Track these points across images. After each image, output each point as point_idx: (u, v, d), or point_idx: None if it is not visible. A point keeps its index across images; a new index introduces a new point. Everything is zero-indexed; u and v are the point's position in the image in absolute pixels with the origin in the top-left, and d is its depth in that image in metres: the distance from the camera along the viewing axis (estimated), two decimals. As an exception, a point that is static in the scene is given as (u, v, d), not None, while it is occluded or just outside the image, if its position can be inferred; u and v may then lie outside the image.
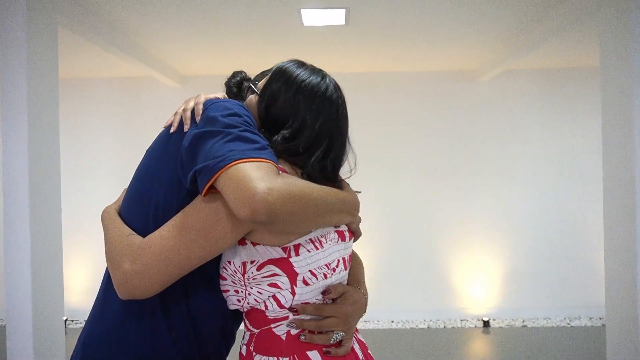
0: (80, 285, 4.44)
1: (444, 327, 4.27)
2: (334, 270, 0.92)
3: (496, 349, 3.85)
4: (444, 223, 4.43)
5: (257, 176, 0.76)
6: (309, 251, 0.88)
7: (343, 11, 2.80)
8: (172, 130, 0.94)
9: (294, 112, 0.94)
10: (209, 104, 0.91)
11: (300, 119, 0.93)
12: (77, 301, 4.41)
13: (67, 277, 4.22)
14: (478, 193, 4.41)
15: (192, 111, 0.92)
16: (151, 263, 0.82)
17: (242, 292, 0.90)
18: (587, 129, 4.35)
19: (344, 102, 1.00)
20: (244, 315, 0.95)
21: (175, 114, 0.97)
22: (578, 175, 4.36)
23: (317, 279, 0.89)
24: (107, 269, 0.95)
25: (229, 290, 0.92)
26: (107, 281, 0.95)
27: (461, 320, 4.35)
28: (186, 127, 0.91)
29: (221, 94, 1.05)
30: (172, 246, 0.82)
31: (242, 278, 0.89)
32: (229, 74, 1.21)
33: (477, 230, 4.41)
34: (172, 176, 0.89)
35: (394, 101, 4.45)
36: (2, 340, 3.07)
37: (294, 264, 0.86)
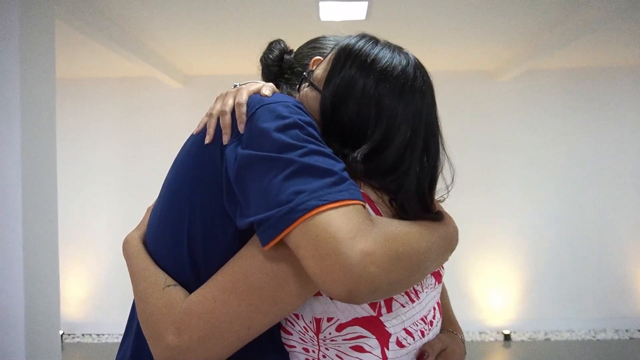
0: (77, 296, 4.20)
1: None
2: (431, 323, 0.71)
3: (519, 364, 3.64)
4: (462, 230, 4.19)
5: (346, 234, 0.53)
6: (404, 305, 0.67)
7: (365, 4, 2.60)
8: (207, 141, 0.71)
9: (377, 112, 0.67)
10: (255, 106, 0.67)
11: (386, 122, 0.67)
12: (74, 313, 4.18)
13: (63, 287, 3.99)
14: (497, 199, 4.20)
15: (233, 114, 0.70)
16: (203, 336, 0.60)
17: (314, 352, 0.68)
18: (615, 132, 4.15)
19: (433, 90, 0.74)
20: None
21: (210, 116, 0.74)
22: (603, 181, 4.16)
23: (413, 339, 0.68)
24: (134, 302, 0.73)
25: (294, 347, 0.70)
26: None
27: (480, 333, 4.14)
28: (226, 138, 0.68)
29: (267, 88, 0.81)
30: (230, 313, 0.60)
31: (314, 337, 0.67)
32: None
33: (496, 238, 4.20)
34: (212, 202, 0.67)
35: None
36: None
37: (385, 323, 0.66)
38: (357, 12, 2.72)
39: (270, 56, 0.95)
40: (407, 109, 0.68)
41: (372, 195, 0.69)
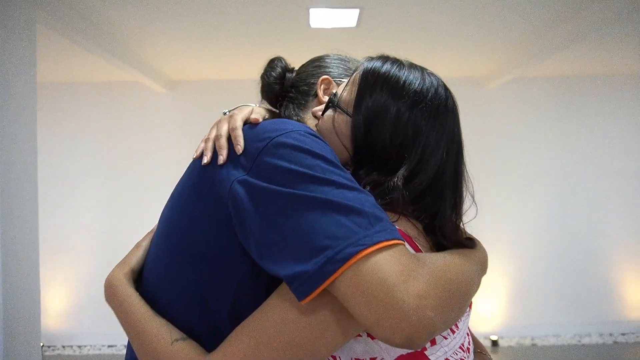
0: (57, 308, 4.07)
1: (451, 346, 4.06)
2: (468, 350, 0.70)
3: (507, 370, 3.65)
4: (449, 237, 4.23)
5: (397, 277, 0.50)
6: (446, 337, 0.66)
7: (356, 11, 2.57)
8: (204, 161, 0.68)
9: (413, 134, 0.66)
10: (271, 136, 0.63)
11: (423, 144, 0.66)
12: (54, 324, 4.05)
13: (43, 298, 3.86)
14: (484, 205, 4.19)
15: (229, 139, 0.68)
16: None
17: None
18: (601, 139, 4.21)
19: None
20: None
21: (206, 141, 0.72)
22: (589, 189, 4.22)
23: None
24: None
25: None
26: None
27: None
28: (222, 159, 0.65)
29: (259, 111, 0.77)
30: None
31: None
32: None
33: (484, 244, 4.22)
34: (219, 236, 0.63)
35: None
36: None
37: (430, 356, 0.64)
38: (348, 19, 2.69)
39: (273, 74, 0.92)
40: (441, 130, 0.68)
41: (411, 231, 0.67)
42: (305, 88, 0.91)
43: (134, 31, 2.95)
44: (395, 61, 0.73)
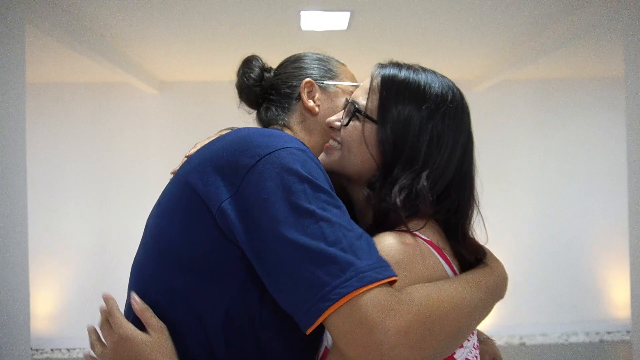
0: (45, 311, 4.03)
1: (441, 346, 4.10)
2: (477, 347, 0.75)
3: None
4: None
5: (376, 318, 0.55)
6: (468, 340, 0.72)
7: (347, 14, 2.60)
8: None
9: (438, 139, 0.71)
10: (259, 155, 0.64)
11: (446, 147, 0.71)
12: (42, 328, 4.01)
13: (31, 302, 3.82)
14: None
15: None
16: None
17: None
18: (586, 142, 4.28)
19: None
20: None
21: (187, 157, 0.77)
22: (576, 190, 4.29)
23: None
24: None
25: None
26: None
27: (457, 339, 4.19)
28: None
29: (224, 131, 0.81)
30: None
31: None
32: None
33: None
34: (212, 251, 0.66)
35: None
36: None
37: (457, 358, 0.70)
38: (339, 22, 2.71)
39: (252, 75, 0.90)
40: (460, 129, 0.73)
41: (440, 242, 0.70)
42: (287, 90, 0.89)
43: (124, 32, 2.94)
44: (409, 67, 0.76)
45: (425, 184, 0.67)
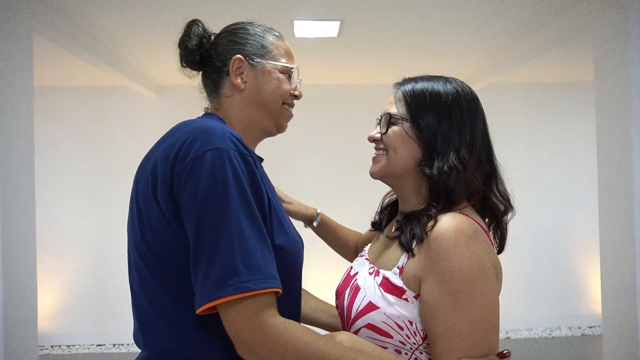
0: (46, 309, 4.13)
1: (430, 341, 4.24)
2: None
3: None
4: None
5: (242, 325, 0.73)
6: None
7: (337, 23, 2.74)
8: None
9: (461, 131, 0.88)
10: (188, 155, 0.77)
11: (470, 135, 0.89)
12: (43, 325, 4.10)
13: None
14: (461, 206, 4.42)
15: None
16: None
17: (406, 354, 0.82)
18: (571, 144, 4.44)
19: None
20: None
21: None
22: (560, 190, 4.45)
23: None
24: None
25: (386, 348, 0.82)
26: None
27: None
28: None
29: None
30: None
31: (418, 342, 0.82)
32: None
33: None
34: (173, 243, 0.82)
35: (380, 113, 4.42)
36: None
37: None
38: (330, 30, 2.86)
39: (189, 45, 0.96)
40: (476, 112, 0.92)
41: (484, 224, 0.87)
42: (219, 64, 0.94)
43: (124, 39, 3.07)
44: (421, 77, 0.94)
45: (465, 155, 0.85)
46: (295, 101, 1.01)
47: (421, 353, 0.81)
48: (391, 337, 0.81)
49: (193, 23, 0.98)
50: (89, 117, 4.26)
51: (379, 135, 0.94)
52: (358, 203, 4.22)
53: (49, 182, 4.17)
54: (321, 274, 3.66)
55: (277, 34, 1.01)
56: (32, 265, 2.29)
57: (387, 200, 1.05)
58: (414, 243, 0.83)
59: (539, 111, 4.49)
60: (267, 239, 0.77)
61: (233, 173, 0.75)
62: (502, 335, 4.29)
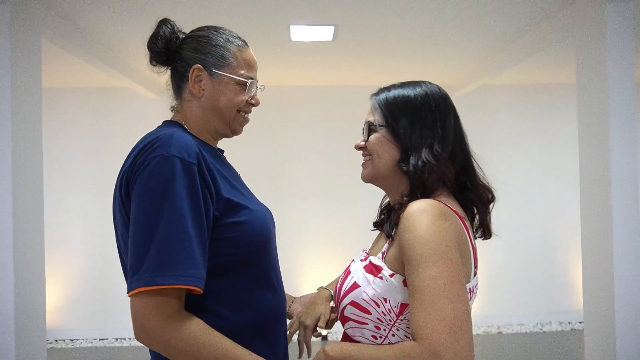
0: (50, 304, 4.24)
1: (424, 335, 4.35)
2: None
3: (474, 355, 3.95)
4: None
5: (147, 315, 0.84)
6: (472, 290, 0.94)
7: (332, 28, 2.85)
8: None
9: (432, 121, 0.97)
10: (155, 154, 0.87)
11: (442, 130, 0.98)
12: (50, 321, 4.20)
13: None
14: (454, 204, 4.53)
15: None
16: None
17: (384, 330, 0.90)
18: (560, 143, 4.55)
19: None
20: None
21: None
22: (551, 189, 4.56)
23: None
24: None
25: (366, 324, 0.91)
26: None
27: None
28: None
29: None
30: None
31: (394, 318, 0.89)
32: None
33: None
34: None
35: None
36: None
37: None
38: (325, 34, 2.96)
39: (155, 48, 1.02)
40: (447, 110, 1.01)
41: (460, 211, 0.95)
42: (182, 70, 1.02)
43: (126, 42, 3.17)
44: (394, 85, 1.03)
45: (438, 149, 0.95)
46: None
47: (397, 330, 0.89)
48: (370, 313, 0.90)
49: (162, 24, 1.04)
50: (93, 117, 4.38)
51: (362, 142, 1.04)
52: (353, 202, 4.34)
53: (54, 181, 4.28)
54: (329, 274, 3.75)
55: (240, 44, 1.05)
56: (41, 265, 2.40)
57: (386, 200, 1.13)
58: (393, 230, 0.93)
59: (528, 111, 4.61)
60: (195, 240, 0.85)
61: (171, 178, 0.85)
62: (494, 330, 4.40)
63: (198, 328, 0.85)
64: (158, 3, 2.51)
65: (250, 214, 0.96)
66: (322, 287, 1.18)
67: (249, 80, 1.04)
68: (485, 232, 1.02)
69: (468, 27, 2.96)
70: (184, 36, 1.06)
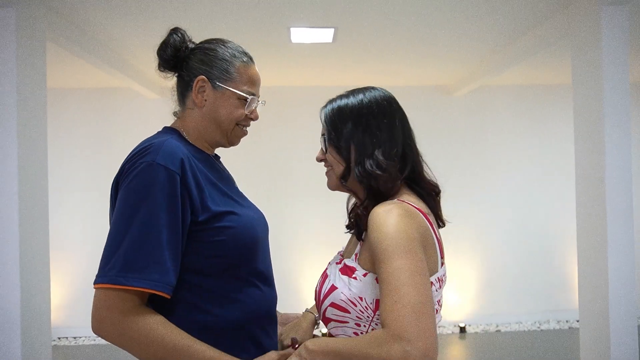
0: (53, 303, 4.29)
1: (423, 334, 4.39)
2: (440, 307, 1.00)
3: (472, 353, 4.00)
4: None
5: (105, 309, 0.89)
6: (436, 290, 0.95)
7: (332, 30, 2.89)
8: None
9: (375, 128, 0.99)
10: (143, 160, 0.92)
11: (388, 133, 0.99)
12: (53, 318, 4.26)
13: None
14: (453, 204, 4.55)
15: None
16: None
17: (364, 326, 0.94)
18: (557, 143, 4.59)
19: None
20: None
21: None
22: (548, 188, 4.60)
23: (437, 313, 0.97)
24: None
25: (347, 323, 0.95)
26: None
27: (438, 327, 4.47)
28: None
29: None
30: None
31: (371, 315, 0.93)
32: None
33: (453, 240, 4.55)
34: None
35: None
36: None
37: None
38: (325, 36, 3.00)
39: (164, 56, 1.07)
40: (392, 116, 1.02)
41: (424, 207, 0.98)
42: (187, 79, 1.06)
43: (128, 43, 3.21)
44: (341, 96, 1.05)
45: (380, 157, 0.97)
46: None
47: (377, 324, 0.93)
48: (349, 312, 0.94)
49: (173, 32, 1.08)
50: (95, 116, 4.42)
51: (322, 155, 1.08)
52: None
53: (56, 180, 4.32)
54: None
55: (246, 60, 1.09)
56: (46, 264, 2.45)
57: (351, 202, 1.17)
58: (363, 234, 0.98)
59: (527, 111, 4.65)
60: (166, 246, 0.89)
61: (152, 184, 0.90)
62: (493, 328, 4.45)
63: (157, 322, 0.89)
64: (159, 5, 2.55)
65: (237, 219, 1.00)
66: (307, 311, 1.19)
67: (250, 97, 1.07)
68: (439, 221, 1.04)
69: (467, 29, 3.00)
70: (193, 46, 1.10)
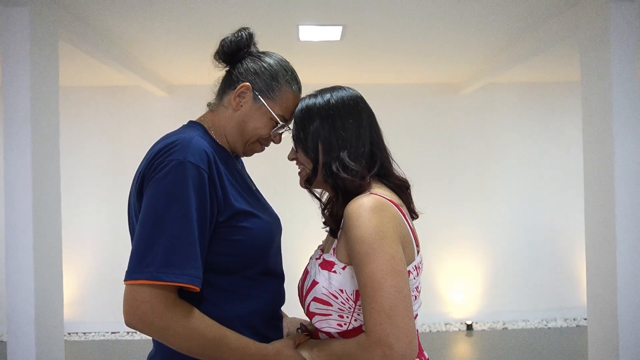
0: (66, 299, 4.34)
1: (429, 331, 4.40)
2: (419, 293, 1.03)
3: (479, 351, 4.00)
4: (428, 230, 4.56)
5: (145, 305, 0.90)
6: (414, 278, 0.99)
7: (340, 28, 2.90)
8: None
9: (341, 129, 1.00)
10: (171, 159, 0.93)
11: (355, 132, 1.01)
12: (64, 313, 4.31)
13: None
14: (461, 201, 4.58)
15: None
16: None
17: (347, 317, 0.97)
18: (565, 139, 4.58)
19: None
20: (337, 334, 1.01)
21: None
22: (554, 185, 4.59)
23: (415, 300, 1.01)
24: None
25: (330, 315, 0.98)
26: None
27: (445, 324, 4.50)
28: None
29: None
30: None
31: (353, 305, 0.96)
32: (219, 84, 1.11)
33: (460, 238, 4.58)
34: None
35: (382, 111, 4.56)
36: (2, 356, 3.02)
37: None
38: (333, 34, 3.02)
39: (225, 48, 1.10)
40: (359, 116, 1.03)
41: (396, 199, 1.00)
42: (235, 79, 1.08)
43: (138, 41, 3.24)
44: (311, 95, 1.06)
45: (346, 157, 0.98)
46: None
47: (359, 314, 0.96)
48: (331, 305, 0.97)
49: (243, 30, 1.10)
50: (106, 113, 4.46)
51: (293, 154, 1.09)
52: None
53: (63, 179, 4.37)
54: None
55: (294, 89, 1.12)
56: (58, 261, 2.49)
57: (324, 197, 1.18)
58: (338, 231, 1.01)
59: (533, 109, 4.64)
60: (198, 242, 0.91)
61: (184, 182, 0.91)
62: (499, 326, 4.45)
63: (196, 315, 0.92)
64: (169, 4, 2.57)
65: (255, 221, 1.02)
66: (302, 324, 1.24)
67: (281, 124, 1.10)
68: (412, 213, 1.06)
69: (473, 27, 3.00)
70: (254, 51, 1.13)
